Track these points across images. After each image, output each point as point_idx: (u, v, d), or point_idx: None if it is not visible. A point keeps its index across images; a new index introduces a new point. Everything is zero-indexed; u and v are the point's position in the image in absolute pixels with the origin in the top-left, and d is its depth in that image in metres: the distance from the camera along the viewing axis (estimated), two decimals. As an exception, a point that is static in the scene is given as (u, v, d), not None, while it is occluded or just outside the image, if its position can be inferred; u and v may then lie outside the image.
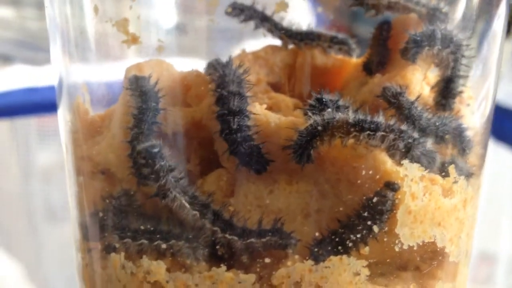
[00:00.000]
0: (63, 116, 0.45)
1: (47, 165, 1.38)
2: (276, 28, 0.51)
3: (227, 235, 0.38)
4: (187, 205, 0.38)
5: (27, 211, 1.37)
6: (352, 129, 0.38)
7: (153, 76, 0.42)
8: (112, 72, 0.44)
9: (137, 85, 0.41)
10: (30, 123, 1.35)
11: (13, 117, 1.02)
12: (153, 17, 0.40)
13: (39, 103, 0.92)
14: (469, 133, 0.44)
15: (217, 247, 0.39)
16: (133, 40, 0.40)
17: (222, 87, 0.39)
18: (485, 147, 0.45)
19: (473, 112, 0.46)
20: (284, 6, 0.47)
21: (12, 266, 1.20)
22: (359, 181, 0.37)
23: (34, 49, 1.36)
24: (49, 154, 1.38)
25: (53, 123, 1.33)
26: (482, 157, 0.45)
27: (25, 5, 1.46)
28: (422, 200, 0.38)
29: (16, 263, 1.21)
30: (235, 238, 0.38)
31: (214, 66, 0.43)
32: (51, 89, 0.90)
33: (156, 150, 0.38)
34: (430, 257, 0.40)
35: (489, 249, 1.25)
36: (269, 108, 0.46)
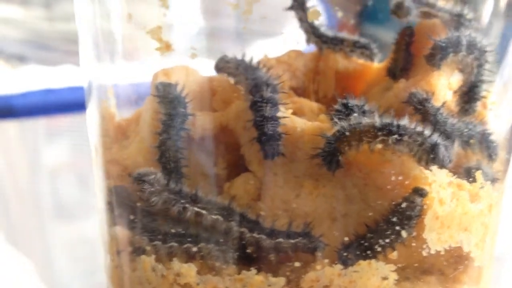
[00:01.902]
0: (92, 118, 0.47)
1: (56, 164, 1.40)
2: (306, 21, 0.52)
3: (255, 235, 0.39)
4: (203, 211, 0.40)
5: (37, 209, 1.38)
6: (379, 133, 0.39)
7: (180, 82, 0.44)
8: (139, 74, 0.46)
9: (165, 92, 0.42)
10: (38, 122, 1.36)
11: (31, 117, 1.04)
12: (184, 24, 0.41)
13: (55, 104, 0.94)
14: (494, 138, 0.45)
15: (246, 245, 0.40)
16: (167, 47, 0.41)
17: (256, 91, 0.40)
18: (509, 152, 0.46)
19: (496, 116, 0.47)
20: (317, 15, 0.48)
21: (22, 263, 1.22)
22: (388, 187, 0.38)
23: (45, 49, 1.37)
24: (58, 153, 1.39)
25: (62, 122, 1.35)
26: (507, 162, 0.46)
27: (34, 5, 1.47)
28: (450, 205, 0.39)
29: (26, 260, 1.23)
30: (264, 237, 0.39)
31: (243, 68, 0.44)
32: (67, 90, 0.92)
33: (147, 177, 0.40)
34: (456, 261, 0.41)
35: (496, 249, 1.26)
36: (293, 112, 0.47)
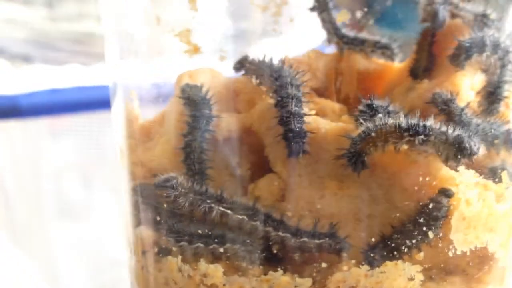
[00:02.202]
0: (117, 120, 0.47)
1: (60, 164, 1.41)
2: (329, 21, 0.52)
3: (280, 233, 0.40)
4: (228, 211, 0.40)
5: (40, 210, 1.40)
6: (405, 134, 0.39)
7: (205, 83, 0.44)
8: (164, 74, 0.46)
9: (190, 94, 0.43)
10: (42, 122, 1.37)
11: (36, 117, 1.05)
12: (212, 26, 0.42)
13: (60, 104, 0.95)
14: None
15: (271, 245, 0.40)
16: (195, 50, 0.42)
17: (281, 89, 0.41)
18: None
19: None
20: (346, 16, 0.48)
21: (24, 263, 1.23)
22: (414, 187, 0.39)
23: (49, 49, 1.39)
24: (61, 153, 1.41)
25: (64, 122, 1.36)
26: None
27: (37, 5, 1.48)
28: (476, 206, 0.39)
29: (28, 260, 1.24)
30: (289, 236, 0.40)
31: (267, 67, 0.45)
32: (72, 90, 0.93)
33: (169, 183, 0.41)
34: (481, 262, 0.41)
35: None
36: (315, 113, 0.47)
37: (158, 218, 0.42)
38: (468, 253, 0.40)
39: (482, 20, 0.48)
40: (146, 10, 0.42)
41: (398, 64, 0.54)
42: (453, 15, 0.50)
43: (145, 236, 0.45)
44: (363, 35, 0.54)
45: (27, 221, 1.36)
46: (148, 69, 0.46)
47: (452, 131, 0.38)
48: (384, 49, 0.54)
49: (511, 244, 0.43)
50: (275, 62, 0.45)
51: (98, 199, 1.35)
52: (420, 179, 0.39)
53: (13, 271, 1.20)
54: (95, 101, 0.94)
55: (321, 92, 0.54)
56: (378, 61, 0.55)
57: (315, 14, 0.49)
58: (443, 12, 0.49)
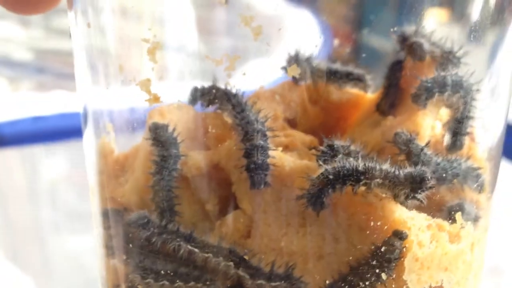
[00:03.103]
0: (89, 156, 0.51)
1: (54, 180, 1.44)
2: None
3: (240, 272, 0.43)
4: (195, 250, 0.44)
5: (35, 225, 1.43)
6: (362, 177, 0.43)
7: (173, 120, 0.48)
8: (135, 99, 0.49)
9: (156, 134, 0.46)
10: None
11: (21, 145, 1.08)
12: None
13: (47, 132, 0.98)
14: (480, 173, 0.48)
15: (232, 283, 0.43)
16: (155, 99, 0.45)
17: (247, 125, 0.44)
18: (493, 189, 0.50)
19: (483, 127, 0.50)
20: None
21: (21, 280, 1.26)
22: (368, 230, 0.42)
23: (41, 72, 1.41)
24: (55, 169, 1.44)
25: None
26: (490, 199, 0.49)
27: (34, 26, 1.51)
28: (429, 247, 0.42)
29: (24, 276, 1.28)
30: (247, 276, 0.43)
31: (228, 101, 0.48)
32: (58, 117, 0.96)
33: (141, 222, 0.44)
34: (438, 300, 0.44)
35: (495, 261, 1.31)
36: (286, 146, 0.50)
37: (125, 256, 0.46)
38: (423, 292, 0.43)
39: (448, 57, 0.51)
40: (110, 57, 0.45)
41: (371, 95, 0.58)
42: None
43: (118, 269, 0.48)
44: (336, 66, 0.57)
45: (23, 238, 1.39)
46: (123, 108, 0.49)
47: (403, 171, 0.42)
48: (357, 81, 0.57)
49: (469, 281, 0.46)
50: (239, 97, 0.48)
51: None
52: (374, 221, 0.42)
53: (10, 286, 1.23)
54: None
55: (295, 122, 0.57)
56: (352, 90, 0.58)
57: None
58: (422, 46, 0.51)
